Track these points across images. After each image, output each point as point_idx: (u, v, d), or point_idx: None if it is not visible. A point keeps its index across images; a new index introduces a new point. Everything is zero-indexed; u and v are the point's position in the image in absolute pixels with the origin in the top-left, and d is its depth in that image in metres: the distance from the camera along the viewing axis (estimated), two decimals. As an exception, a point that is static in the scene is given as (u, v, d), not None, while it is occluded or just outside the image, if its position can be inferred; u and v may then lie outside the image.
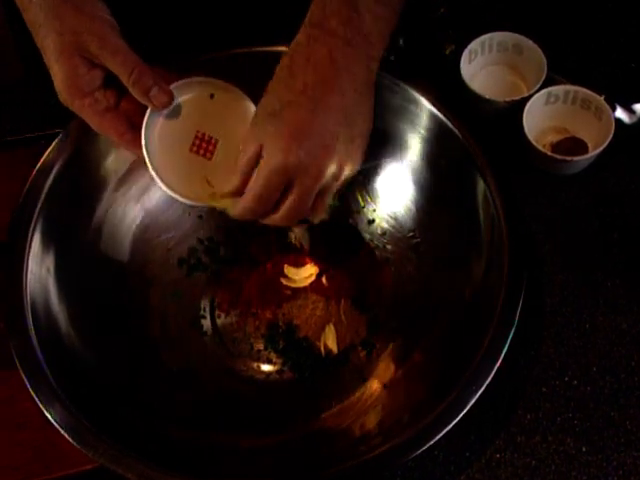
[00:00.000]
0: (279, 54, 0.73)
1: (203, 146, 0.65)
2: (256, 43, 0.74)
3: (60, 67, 0.61)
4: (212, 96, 0.65)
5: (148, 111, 0.62)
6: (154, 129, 0.63)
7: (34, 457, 0.66)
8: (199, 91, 0.65)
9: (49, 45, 0.61)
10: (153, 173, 0.63)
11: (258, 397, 0.70)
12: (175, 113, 0.64)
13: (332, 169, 0.59)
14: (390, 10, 0.61)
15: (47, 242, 0.68)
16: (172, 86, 0.63)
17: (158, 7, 0.85)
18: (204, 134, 0.65)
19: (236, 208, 0.62)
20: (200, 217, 0.77)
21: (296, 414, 0.68)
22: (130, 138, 0.63)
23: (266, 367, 0.72)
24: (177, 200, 0.64)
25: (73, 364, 0.65)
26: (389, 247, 0.75)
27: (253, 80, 0.74)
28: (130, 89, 0.61)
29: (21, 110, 0.83)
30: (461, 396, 0.60)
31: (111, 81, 0.62)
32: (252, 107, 0.66)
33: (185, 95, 0.64)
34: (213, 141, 0.65)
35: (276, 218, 0.62)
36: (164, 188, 0.63)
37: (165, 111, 0.63)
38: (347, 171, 0.60)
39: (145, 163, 0.63)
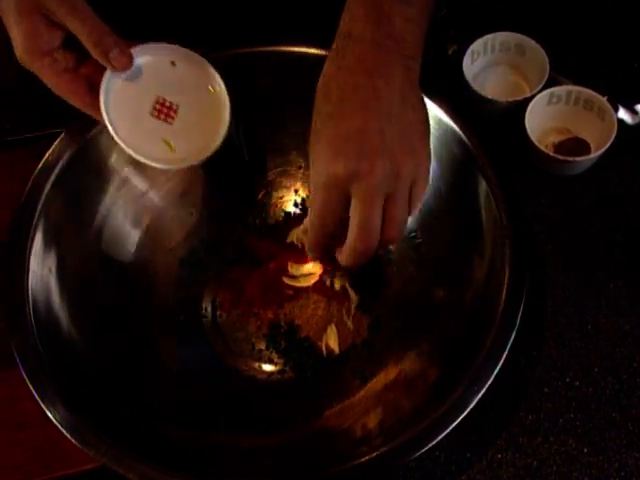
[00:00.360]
0: (280, 54, 0.74)
1: (164, 111, 0.65)
2: (256, 43, 0.74)
3: (20, 27, 0.61)
4: (173, 63, 0.65)
5: (107, 73, 0.62)
6: (113, 91, 0.63)
7: (34, 457, 0.66)
8: (160, 57, 0.65)
9: (9, 5, 0.61)
10: (113, 134, 0.63)
11: (259, 397, 0.70)
12: (135, 77, 0.64)
13: (386, 168, 0.56)
14: (420, 10, 0.60)
15: (49, 242, 0.68)
16: (132, 49, 0.62)
17: (158, 8, 0.85)
18: (165, 99, 0.65)
19: (308, 234, 0.62)
20: (202, 217, 0.77)
21: (297, 414, 0.68)
22: (89, 101, 0.63)
23: (268, 367, 0.72)
24: (140, 162, 0.65)
25: (74, 364, 0.65)
26: (391, 247, 0.74)
27: (253, 80, 0.74)
28: (89, 49, 0.60)
29: (22, 110, 0.83)
30: (463, 397, 0.60)
31: (72, 45, 0.62)
32: (216, 76, 0.66)
33: (146, 59, 0.64)
34: (174, 107, 0.65)
35: (351, 242, 0.59)
36: (126, 149, 0.63)
37: (125, 74, 0.63)
38: (409, 169, 0.58)
39: (104, 125, 0.63)
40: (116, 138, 0.63)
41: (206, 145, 0.66)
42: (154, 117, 0.64)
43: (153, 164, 0.65)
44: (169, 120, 0.65)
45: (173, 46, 0.65)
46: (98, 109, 0.62)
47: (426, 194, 0.61)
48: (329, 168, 0.57)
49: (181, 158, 0.65)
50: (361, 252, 0.60)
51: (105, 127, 0.63)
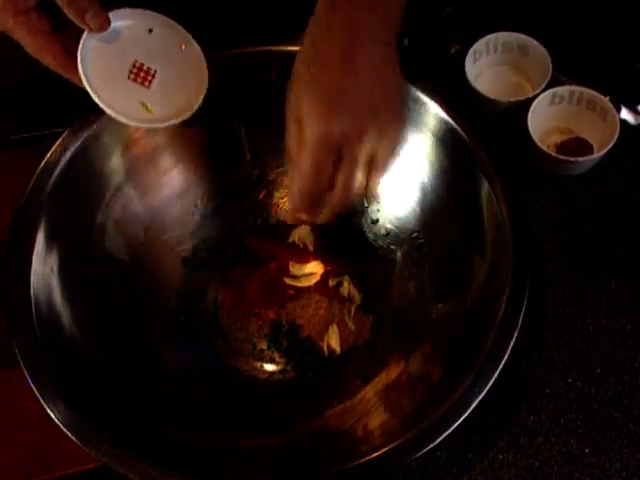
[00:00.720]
0: (281, 54, 0.74)
1: (141, 75, 0.65)
2: (257, 43, 0.74)
3: None
4: (150, 31, 0.65)
5: (85, 35, 0.62)
6: (90, 53, 0.63)
7: (34, 457, 0.66)
8: (138, 23, 0.65)
9: None
10: (92, 93, 0.63)
11: (260, 397, 0.70)
12: (112, 40, 0.64)
13: (375, 130, 0.58)
14: None
15: (50, 241, 0.68)
16: (110, 13, 0.62)
17: (159, 8, 0.84)
18: (142, 64, 0.65)
19: (292, 194, 0.63)
20: (204, 216, 0.77)
21: (298, 414, 0.68)
22: (65, 61, 0.62)
23: (269, 367, 0.72)
24: (119, 122, 0.64)
25: (75, 363, 0.65)
26: (393, 247, 0.74)
27: (254, 80, 0.74)
28: (65, 9, 0.60)
29: (23, 110, 0.82)
30: (464, 397, 0.60)
31: (50, 11, 0.61)
32: (192, 40, 0.67)
33: (123, 23, 0.64)
34: (151, 71, 0.65)
35: (334, 197, 0.61)
36: (105, 109, 0.63)
37: (102, 36, 0.63)
38: (391, 134, 0.60)
39: (83, 85, 0.62)
40: (94, 97, 0.63)
41: (186, 106, 0.66)
42: (131, 80, 0.65)
43: (133, 124, 0.65)
44: (146, 84, 0.65)
45: (150, 12, 0.66)
46: (74, 71, 0.62)
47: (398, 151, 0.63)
48: (324, 124, 0.58)
49: (160, 118, 0.65)
50: (342, 204, 0.62)
51: (83, 87, 0.63)
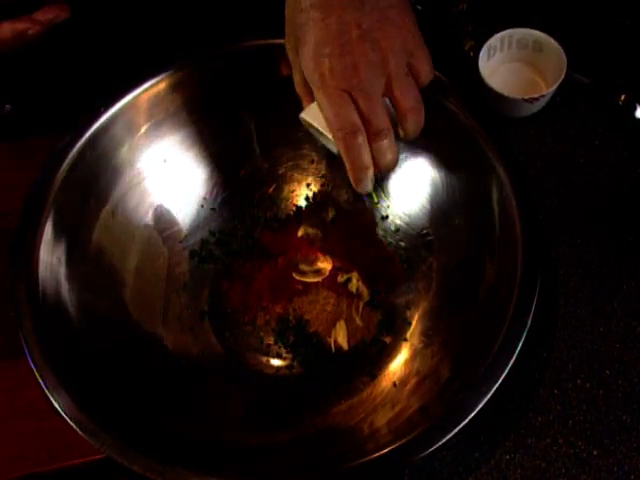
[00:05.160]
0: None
1: None
2: (273, 36, 0.74)
3: None
4: None
5: None
6: None
7: (41, 446, 0.66)
8: None
9: None
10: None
11: (267, 392, 0.70)
12: None
13: (371, 60, 0.58)
14: None
15: (59, 231, 0.68)
16: None
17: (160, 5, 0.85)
18: None
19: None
20: (213, 209, 0.77)
21: (304, 411, 0.67)
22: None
23: (276, 362, 0.71)
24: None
25: (82, 355, 0.65)
26: (402, 244, 0.74)
27: (267, 73, 0.74)
28: None
29: (37, 99, 0.82)
30: (471, 397, 0.59)
31: None
32: None
33: None
34: None
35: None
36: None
37: None
38: (397, 49, 0.59)
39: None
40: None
41: None
42: None
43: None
44: None
45: None
46: None
47: (430, 58, 0.63)
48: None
49: None
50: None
51: None
